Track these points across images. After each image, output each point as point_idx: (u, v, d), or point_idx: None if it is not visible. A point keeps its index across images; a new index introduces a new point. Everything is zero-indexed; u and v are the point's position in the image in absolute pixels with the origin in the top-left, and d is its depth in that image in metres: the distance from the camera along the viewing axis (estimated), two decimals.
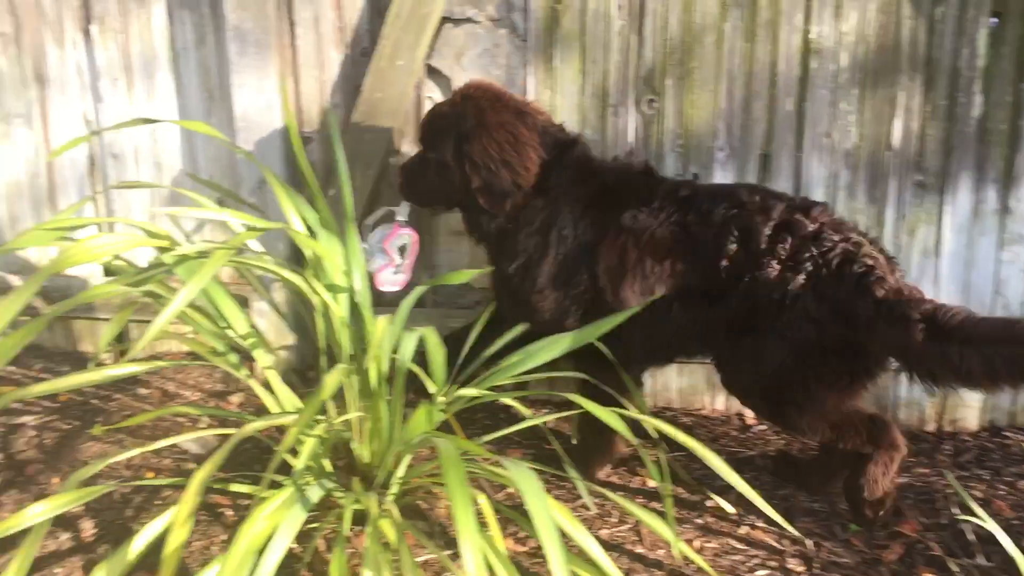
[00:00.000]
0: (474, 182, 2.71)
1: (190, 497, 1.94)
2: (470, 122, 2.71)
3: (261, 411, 3.12)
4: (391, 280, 3.07)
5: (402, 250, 3.08)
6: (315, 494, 2.19)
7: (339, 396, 2.72)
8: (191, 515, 1.94)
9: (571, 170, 2.75)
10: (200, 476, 1.97)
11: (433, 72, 3.26)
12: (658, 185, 2.72)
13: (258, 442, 2.89)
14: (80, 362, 3.64)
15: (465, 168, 2.72)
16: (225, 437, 3.01)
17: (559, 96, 3.19)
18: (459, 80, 3.26)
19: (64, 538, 2.61)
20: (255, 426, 2.16)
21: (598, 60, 3.15)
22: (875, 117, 3.11)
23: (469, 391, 2.65)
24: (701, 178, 3.20)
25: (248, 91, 3.21)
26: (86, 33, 3.37)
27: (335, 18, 3.22)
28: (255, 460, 2.96)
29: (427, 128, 2.85)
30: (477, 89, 2.81)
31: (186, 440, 3.06)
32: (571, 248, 2.72)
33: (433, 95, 3.29)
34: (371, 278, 2.97)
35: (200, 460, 3.02)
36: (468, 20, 3.21)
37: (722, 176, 3.19)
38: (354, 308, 2.66)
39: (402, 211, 3.06)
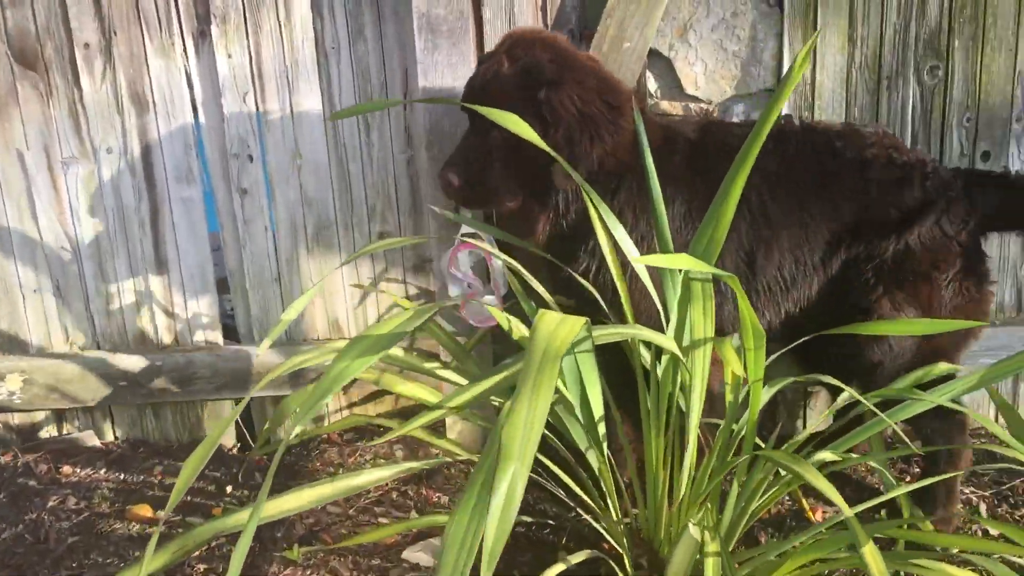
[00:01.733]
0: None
1: None
2: (550, 68, 2.13)
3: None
4: (479, 312, 2.38)
5: (476, 269, 2.50)
6: None
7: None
8: None
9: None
10: None
11: (650, 55, 2.63)
12: None
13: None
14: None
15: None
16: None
17: (821, 71, 2.58)
18: (682, 63, 2.63)
19: None
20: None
21: (872, 23, 2.56)
22: None
23: (825, 454, 2.05)
24: (993, 156, 2.65)
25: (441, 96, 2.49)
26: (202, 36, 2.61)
27: None
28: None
29: (485, 98, 2.09)
30: (530, 34, 2.23)
31: (415, 552, 2.37)
32: None
33: (650, 86, 2.65)
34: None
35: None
36: None
37: (1018, 151, 2.65)
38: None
39: (464, 226, 2.41)
